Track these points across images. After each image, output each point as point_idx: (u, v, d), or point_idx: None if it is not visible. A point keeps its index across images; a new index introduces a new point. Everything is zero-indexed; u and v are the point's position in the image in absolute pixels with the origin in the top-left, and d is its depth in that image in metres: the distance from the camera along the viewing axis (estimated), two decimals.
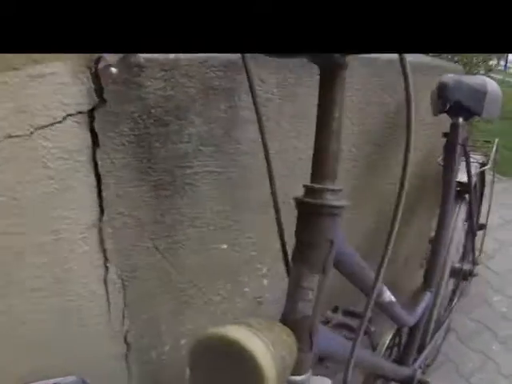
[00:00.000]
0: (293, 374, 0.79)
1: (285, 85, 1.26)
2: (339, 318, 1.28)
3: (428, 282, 1.57)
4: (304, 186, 0.81)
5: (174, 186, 1.16)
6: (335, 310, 1.31)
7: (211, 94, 1.13)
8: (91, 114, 1.00)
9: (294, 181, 1.37)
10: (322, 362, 1.04)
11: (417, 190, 2.00)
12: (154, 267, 1.22)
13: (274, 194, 1.02)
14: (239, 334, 0.61)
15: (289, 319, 0.80)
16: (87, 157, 1.02)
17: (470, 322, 2.26)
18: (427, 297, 1.54)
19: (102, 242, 1.11)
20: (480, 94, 1.51)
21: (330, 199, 0.77)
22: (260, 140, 1.18)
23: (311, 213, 0.78)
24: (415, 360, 1.61)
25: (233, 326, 0.63)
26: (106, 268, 1.14)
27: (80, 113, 0.98)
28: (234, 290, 1.43)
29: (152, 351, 1.33)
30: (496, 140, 2.02)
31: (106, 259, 1.13)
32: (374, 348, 1.38)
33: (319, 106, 0.80)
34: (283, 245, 0.97)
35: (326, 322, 1.23)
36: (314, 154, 0.81)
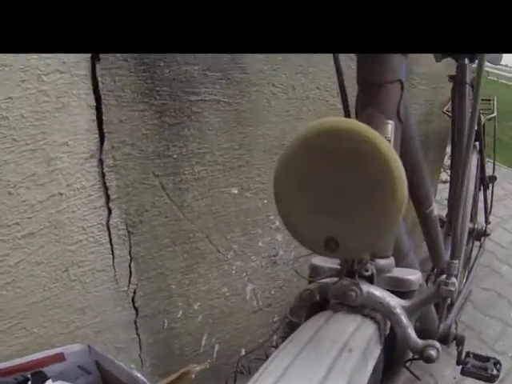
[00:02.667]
0: (375, 257, 0.68)
1: None
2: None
3: (451, 229, 1.49)
4: None
5: (179, 113, 1.05)
6: None
7: None
8: None
9: (303, 123, 1.30)
10: None
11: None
12: (160, 210, 1.09)
13: None
14: (355, 123, 0.49)
15: None
16: (86, 71, 0.90)
17: (483, 292, 2.17)
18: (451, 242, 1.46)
19: (102, 176, 0.98)
20: None
21: None
22: (267, 71, 1.11)
23: None
24: (447, 317, 1.53)
25: (339, 118, 0.52)
26: (109, 210, 1.01)
27: None
28: (247, 245, 1.31)
29: (163, 317, 1.20)
30: (495, 97, 1.98)
31: (108, 198, 1.00)
32: None
33: None
34: (343, 90, 0.80)
35: None
36: None
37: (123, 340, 1.13)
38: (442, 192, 2.43)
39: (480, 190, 2.01)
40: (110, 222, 1.02)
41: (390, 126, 0.66)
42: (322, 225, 0.52)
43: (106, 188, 0.99)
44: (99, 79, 0.92)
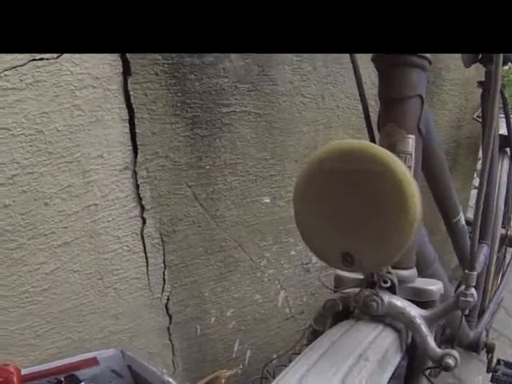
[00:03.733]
0: (398, 268, 0.69)
1: None
2: None
3: (483, 234, 1.48)
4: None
5: (211, 125, 1.07)
6: None
7: None
8: None
9: (333, 131, 1.31)
10: None
11: (452, 156, 1.88)
12: (194, 220, 1.11)
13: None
14: (369, 144, 0.50)
15: None
16: (118, 85, 0.92)
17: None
18: (484, 249, 1.44)
19: (137, 187, 1.00)
20: None
21: None
22: (297, 82, 1.13)
23: (393, 66, 0.69)
24: (477, 324, 1.52)
25: (353, 140, 0.54)
26: (143, 220, 1.03)
27: None
28: (279, 253, 1.32)
29: (196, 324, 1.21)
30: None
31: (142, 208, 1.02)
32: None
33: None
34: (366, 109, 0.82)
35: None
36: None
37: (156, 345, 1.15)
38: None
39: None
40: (145, 232, 1.04)
41: (411, 140, 0.68)
42: (339, 241, 0.54)
43: (140, 199, 1.01)
44: (131, 93, 0.94)
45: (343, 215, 0.53)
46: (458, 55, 1.57)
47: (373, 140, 0.79)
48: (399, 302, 0.64)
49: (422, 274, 0.82)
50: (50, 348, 0.98)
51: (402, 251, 0.51)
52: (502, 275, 1.90)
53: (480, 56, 1.47)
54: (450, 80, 1.69)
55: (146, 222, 1.04)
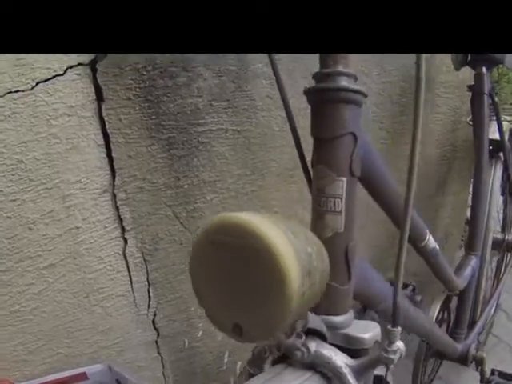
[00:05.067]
0: (330, 314, 0.70)
1: None
2: None
3: (471, 245, 1.49)
4: (313, 74, 0.70)
5: (187, 144, 1.09)
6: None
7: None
8: (93, 65, 0.94)
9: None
10: (366, 312, 0.95)
11: (448, 159, 1.89)
12: (175, 238, 1.14)
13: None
14: (251, 220, 0.51)
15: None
16: (92, 112, 0.96)
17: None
18: (473, 261, 1.46)
19: (116, 209, 1.04)
20: None
21: (346, 83, 0.67)
22: (275, 96, 1.15)
23: (325, 101, 0.68)
24: (467, 336, 1.53)
25: (241, 213, 0.56)
26: (125, 240, 1.07)
27: (81, 64, 0.93)
28: None
29: (184, 337, 1.24)
30: None
31: (123, 229, 1.06)
32: None
33: None
34: (299, 146, 0.84)
35: None
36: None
37: (145, 359, 1.18)
38: None
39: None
40: (127, 251, 1.08)
41: (341, 183, 0.67)
42: (229, 312, 0.56)
43: (120, 220, 1.05)
44: (106, 119, 0.97)
45: (231, 287, 0.54)
46: (449, 57, 1.59)
47: (309, 179, 0.79)
48: (326, 350, 0.65)
49: (374, 308, 0.84)
50: (42, 364, 1.02)
51: (286, 322, 0.52)
52: (497, 282, 1.91)
53: (469, 58, 1.49)
54: (443, 82, 1.70)
55: (128, 242, 1.07)
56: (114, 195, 1.04)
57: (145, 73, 1.00)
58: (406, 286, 1.23)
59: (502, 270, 1.97)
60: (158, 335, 1.20)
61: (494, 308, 1.80)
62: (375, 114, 1.46)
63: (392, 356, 0.63)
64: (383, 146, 1.54)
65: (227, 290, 0.55)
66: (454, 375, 1.74)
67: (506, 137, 1.73)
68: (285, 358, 0.69)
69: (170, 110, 1.06)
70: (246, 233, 0.50)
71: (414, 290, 1.24)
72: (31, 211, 0.94)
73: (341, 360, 0.64)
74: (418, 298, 1.22)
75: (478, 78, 1.48)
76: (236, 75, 1.13)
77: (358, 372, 0.64)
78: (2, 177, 0.89)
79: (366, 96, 0.70)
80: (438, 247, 1.11)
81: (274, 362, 0.69)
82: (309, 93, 0.71)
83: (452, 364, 1.49)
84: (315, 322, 0.66)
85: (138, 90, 1.00)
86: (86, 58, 0.93)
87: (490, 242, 1.59)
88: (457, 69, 1.52)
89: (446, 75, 1.68)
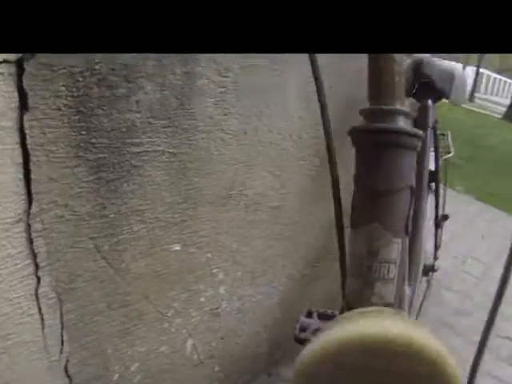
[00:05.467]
0: None
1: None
2: (317, 323, 1.09)
3: (409, 276, 1.45)
4: (363, 110, 0.59)
5: (118, 167, 0.93)
6: (309, 314, 1.07)
7: (165, 54, 0.93)
8: (20, 64, 0.75)
9: (253, 170, 1.22)
10: None
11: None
12: (95, 275, 0.97)
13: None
14: (402, 328, 0.39)
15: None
16: (13, 122, 0.77)
17: (425, 319, 2.18)
18: (410, 292, 1.42)
19: (30, 241, 0.85)
20: (449, 75, 1.44)
21: (405, 125, 0.56)
22: (218, 116, 1.03)
23: (381, 145, 0.57)
24: None
25: (374, 317, 0.41)
26: (38, 278, 0.88)
27: (6, 62, 0.74)
28: (188, 301, 1.19)
29: (99, 383, 1.08)
30: (449, 132, 1.97)
31: (36, 266, 0.87)
32: None
33: None
34: (337, 201, 0.72)
35: (303, 330, 1.04)
36: (369, 75, 0.62)
37: None
38: None
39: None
40: (39, 291, 0.88)
41: (397, 245, 0.56)
42: None
43: (34, 255, 0.86)
44: (27, 131, 0.79)
45: None
46: None
47: (339, 204, 0.68)
48: None
49: None
50: None
51: None
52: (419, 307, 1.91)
53: (414, 90, 1.43)
54: None
55: (41, 280, 0.88)
56: (29, 225, 0.85)
57: (80, 79, 0.83)
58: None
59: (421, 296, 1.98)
60: (71, 382, 1.02)
61: None
62: (309, 139, 1.36)
63: None
64: (315, 173, 1.44)
65: None
66: None
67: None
68: None
69: (104, 126, 0.89)
70: (411, 354, 0.36)
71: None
72: None
73: None
74: None
75: (423, 110, 1.41)
76: (180, 90, 0.98)
77: None
78: None
79: (421, 140, 0.59)
80: None
81: None
82: (357, 133, 0.59)
83: None
84: None
85: (70, 98, 0.83)
86: (12, 55, 0.75)
87: (420, 272, 1.59)
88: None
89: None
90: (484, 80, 38.85)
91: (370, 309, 0.43)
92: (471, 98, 24.86)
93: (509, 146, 9.08)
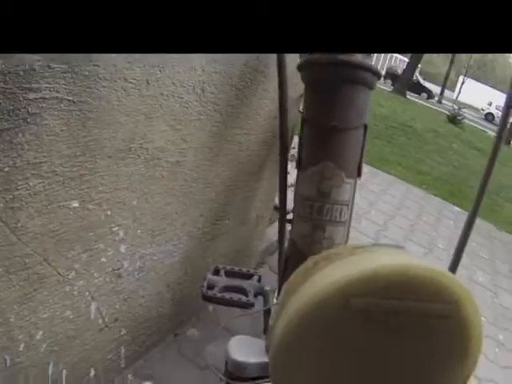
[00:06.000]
0: None
1: None
2: (224, 280, 1.03)
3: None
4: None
5: (14, 115, 0.83)
6: (216, 271, 1.05)
7: None
8: None
9: (154, 123, 1.16)
10: None
11: (268, 146, 1.80)
12: None
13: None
14: (437, 272, 0.34)
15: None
16: None
17: None
18: None
19: None
20: None
21: (362, 58, 0.53)
22: (121, 64, 0.96)
23: (337, 80, 0.53)
24: None
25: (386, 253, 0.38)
26: None
27: None
28: (89, 262, 1.13)
29: (4, 354, 1.01)
30: None
31: None
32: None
33: None
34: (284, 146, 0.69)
35: (210, 288, 1.00)
36: None
37: None
38: None
39: None
40: None
41: (349, 186, 0.54)
42: None
43: None
44: None
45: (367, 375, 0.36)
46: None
47: (284, 179, 0.64)
48: None
49: None
50: None
51: None
52: None
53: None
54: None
55: None
56: None
57: None
58: (248, 276, 1.07)
59: None
60: None
61: None
62: (212, 93, 1.30)
63: None
64: (216, 129, 1.39)
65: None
66: None
67: None
68: None
69: None
70: (432, 292, 0.33)
71: (259, 279, 1.09)
72: None
73: None
74: (266, 287, 1.08)
75: None
76: None
77: None
78: None
79: (380, 77, 0.58)
80: None
81: None
82: (309, 66, 0.55)
83: None
84: None
85: None
86: None
87: None
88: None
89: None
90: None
91: (365, 244, 0.39)
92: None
93: (397, 116, 9.70)
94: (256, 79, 1.48)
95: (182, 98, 1.18)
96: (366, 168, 4.79)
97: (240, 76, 1.39)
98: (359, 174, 0.56)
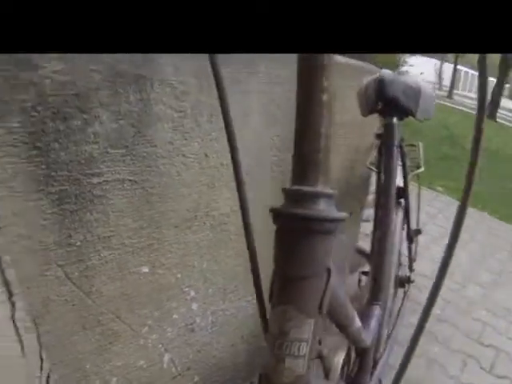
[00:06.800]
0: None
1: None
2: None
3: (376, 294, 1.45)
4: (284, 189, 0.60)
5: (80, 198, 0.96)
6: None
7: (119, 81, 0.94)
8: None
9: (217, 191, 1.25)
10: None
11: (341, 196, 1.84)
12: (67, 299, 0.99)
13: (243, 204, 0.81)
14: None
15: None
16: None
17: (406, 329, 2.18)
18: (377, 311, 1.42)
19: (2, 272, 0.88)
20: (415, 92, 1.42)
21: (326, 208, 0.58)
22: (177, 141, 1.06)
23: (299, 231, 0.58)
24: (370, 378, 1.47)
25: None
26: (12, 304, 0.91)
27: None
28: (162, 319, 1.22)
29: None
30: (420, 143, 1.99)
31: (10, 294, 0.90)
32: (326, 373, 1.23)
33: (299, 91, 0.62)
34: (257, 277, 0.74)
35: None
36: (295, 152, 0.62)
37: None
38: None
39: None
40: (15, 316, 0.92)
41: (309, 326, 0.59)
42: None
43: (6, 283, 0.89)
44: None
45: None
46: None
47: (264, 316, 0.71)
48: None
49: None
50: None
51: None
52: (395, 320, 1.93)
53: (379, 107, 1.44)
54: (344, 123, 1.69)
55: (16, 305, 0.91)
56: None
57: (34, 113, 0.86)
58: None
59: (398, 308, 2.00)
60: None
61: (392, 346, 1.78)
62: (275, 156, 1.40)
63: None
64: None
65: None
66: None
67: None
68: None
69: (62, 159, 0.92)
70: None
71: (319, 343, 1.16)
72: None
73: None
74: (325, 351, 1.15)
75: (388, 128, 1.43)
76: (137, 118, 1.01)
77: None
78: None
79: (341, 222, 0.60)
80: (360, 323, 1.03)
81: None
82: (277, 215, 0.60)
83: None
84: None
85: (24, 134, 0.86)
86: None
87: (392, 289, 1.59)
88: (364, 115, 1.47)
89: (348, 115, 1.64)
90: (462, 77, 38.96)
91: None
92: (450, 95, 24.85)
93: (490, 144, 8.82)
94: None
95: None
96: (443, 197, 4.58)
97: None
98: (320, 312, 0.61)
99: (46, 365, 1.02)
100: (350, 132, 1.76)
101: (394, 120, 1.41)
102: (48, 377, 1.03)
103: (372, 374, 1.51)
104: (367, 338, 1.25)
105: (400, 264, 1.91)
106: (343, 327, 0.97)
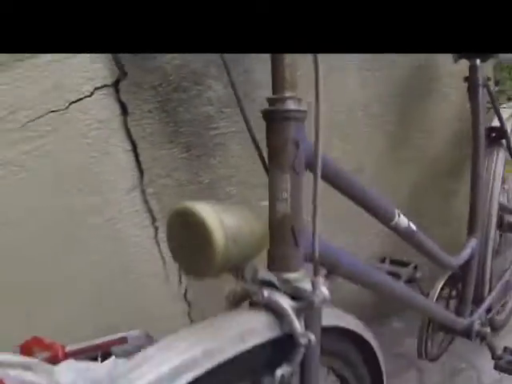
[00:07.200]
0: (283, 271, 0.82)
1: None
2: (386, 267, 1.36)
3: (472, 228, 1.55)
4: (267, 98, 0.82)
5: (204, 146, 1.26)
6: (383, 260, 1.37)
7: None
8: (116, 86, 1.13)
9: None
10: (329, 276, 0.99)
11: (462, 153, 1.92)
12: None
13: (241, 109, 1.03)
14: (194, 204, 0.74)
15: (271, 220, 0.82)
16: (119, 124, 1.15)
17: None
18: (472, 242, 1.52)
19: (146, 202, 1.23)
20: None
21: (292, 106, 0.79)
22: None
23: (276, 120, 0.80)
24: (473, 312, 1.58)
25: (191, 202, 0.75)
26: (155, 228, 1.25)
27: (106, 86, 1.11)
28: None
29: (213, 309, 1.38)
30: None
31: (153, 219, 1.25)
32: (424, 295, 1.39)
33: None
34: (260, 155, 0.98)
35: None
36: (272, 67, 0.82)
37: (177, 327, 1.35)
38: None
39: None
40: (158, 237, 1.26)
41: (286, 177, 0.81)
42: (186, 260, 0.82)
43: (150, 211, 1.24)
44: (131, 129, 1.16)
45: (187, 246, 0.78)
46: None
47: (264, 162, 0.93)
48: (276, 295, 0.81)
49: (335, 272, 0.98)
50: (89, 329, 1.18)
51: (213, 268, 0.76)
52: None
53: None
54: (451, 74, 1.80)
55: (158, 228, 1.26)
56: (143, 191, 1.22)
57: (160, 89, 1.18)
58: (406, 264, 1.37)
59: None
60: (190, 307, 1.38)
61: (506, 287, 1.83)
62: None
63: (316, 299, 0.78)
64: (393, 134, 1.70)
65: (185, 248, 0.79)
66: (468, 351, 1.80)
67: (510, 124, 1.77)
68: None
69: (186, 118, 1.23)
70: (189, 214, 0.75)
71: (415, 267, 1.37)
72: (79, 205, 1.16)
73: (286, 302, 0.80)
74: (418, 274, 1.36)
75: (473, 70, 1.53)
76: (242, 85, 1.27)
77: (297, 311, 0.79)
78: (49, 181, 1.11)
79: (306, 113, 0.82)
80: (413, 227, 1.18)
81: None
82: (264, 113, 0.83)
83: (467, 340, 1.56)
84: (269, 275, 0.83)
85: (156, 103, 1.18)
86: (108, 80, 1.13)
87: (493, 225, 1.65)
88: (455, 61, 1.57)
89: (452, 66, 1.76)
90: None
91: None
92: None
93: None
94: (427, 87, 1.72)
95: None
96: None
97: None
98: (295, 171, 0.85)
99: (184, 280, 1.35)
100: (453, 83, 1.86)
101: (477, 62, 1.50)
102: (186, 290, 1.37)
103: (476, 308, 1.60)
104: (450, 261, 1.38)
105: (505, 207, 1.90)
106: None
